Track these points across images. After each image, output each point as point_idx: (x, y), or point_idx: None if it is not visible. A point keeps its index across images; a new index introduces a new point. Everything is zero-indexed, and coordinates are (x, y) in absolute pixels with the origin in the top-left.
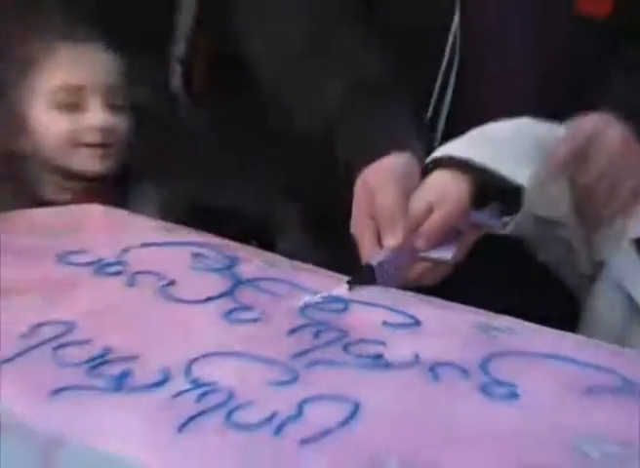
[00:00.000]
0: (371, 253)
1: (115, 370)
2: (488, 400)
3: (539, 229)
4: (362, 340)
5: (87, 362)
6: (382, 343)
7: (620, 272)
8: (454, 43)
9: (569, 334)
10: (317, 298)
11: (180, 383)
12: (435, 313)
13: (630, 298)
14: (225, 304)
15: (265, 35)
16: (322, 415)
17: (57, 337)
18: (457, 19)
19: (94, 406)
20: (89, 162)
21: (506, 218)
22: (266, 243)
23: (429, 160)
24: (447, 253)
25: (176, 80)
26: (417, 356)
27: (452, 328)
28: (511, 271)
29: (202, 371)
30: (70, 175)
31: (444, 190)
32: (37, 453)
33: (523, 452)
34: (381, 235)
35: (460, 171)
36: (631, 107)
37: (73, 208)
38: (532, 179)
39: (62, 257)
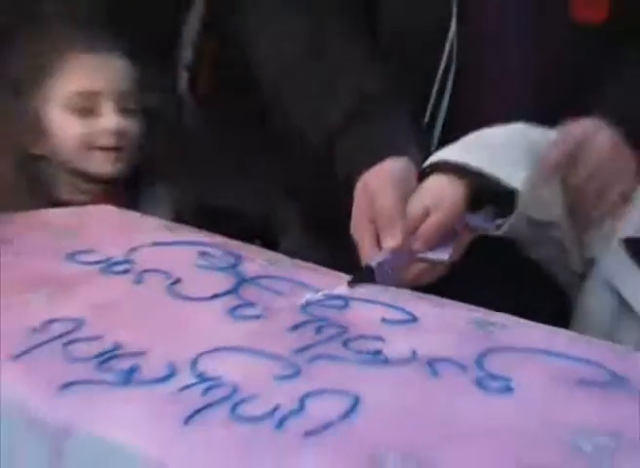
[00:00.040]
0: (370, 255)
1: (123, 364)
2: (483, 394)
3: (532, 230)
4: (362, 336)
5: (96, 357)
6: (381, 339)
7: (610, 271)
8: (451, 48)
9: (562, 331)
10: (318, 296)
11: (186, 377)
12: (432, 310)
13: (619, 296)
14: (230, 301)
15: (268, 39)
16: (323, 409)
17: (67, 333)
18: (454, 24)
19: (102, 399)
20: (103, 165)
21: (500, 221)
22: (270, 242)
23: (426, 165)
24: (443, 254)
25: (182, 84)
26: (414, 352)
27: (448, 324)
28: (505, 270)
29: (207, 366)
30: (85, 177)
31: (440, 194)
32: (47, 443)
33: (518, 446)
34: (381, 237)
35: (455, 175)
36: (626, 111)
37: (87, 208)
38: (525, 183)
39: (73, 256)
